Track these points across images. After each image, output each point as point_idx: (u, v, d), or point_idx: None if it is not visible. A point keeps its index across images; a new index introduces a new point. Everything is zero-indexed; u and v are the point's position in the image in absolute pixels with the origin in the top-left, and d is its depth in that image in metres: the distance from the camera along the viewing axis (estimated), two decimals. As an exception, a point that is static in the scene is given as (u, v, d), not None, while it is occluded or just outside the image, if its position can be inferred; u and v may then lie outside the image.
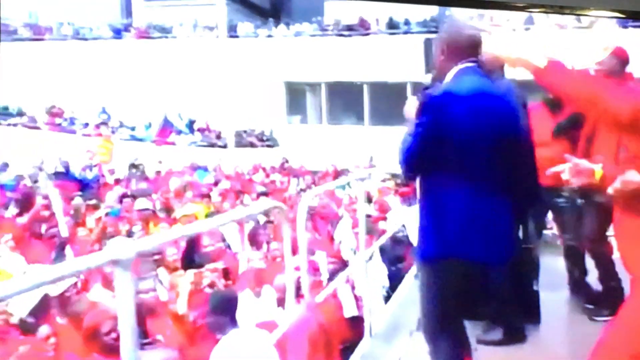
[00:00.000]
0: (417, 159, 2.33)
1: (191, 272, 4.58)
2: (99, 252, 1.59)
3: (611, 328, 2.10)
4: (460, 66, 2.36)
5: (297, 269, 2.96)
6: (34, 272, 1.66)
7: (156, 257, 5.41)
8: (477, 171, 2.29)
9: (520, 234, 3.48)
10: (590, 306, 3.66)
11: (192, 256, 5.41)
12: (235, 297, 4.22)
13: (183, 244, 5.36)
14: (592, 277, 3.78)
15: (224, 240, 6.33)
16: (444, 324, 2.42)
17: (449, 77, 2.38)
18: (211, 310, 4.00)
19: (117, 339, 3.50)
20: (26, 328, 3.77)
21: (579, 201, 3.72)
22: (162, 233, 2.57)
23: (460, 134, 2.26)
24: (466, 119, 2.26)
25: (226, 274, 5.06)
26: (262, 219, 6.69)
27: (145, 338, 3.83)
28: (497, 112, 2.34)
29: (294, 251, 2.77)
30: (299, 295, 3.52)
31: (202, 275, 4.57)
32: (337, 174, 14.15)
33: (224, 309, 3.95)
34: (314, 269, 4.90)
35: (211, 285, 4.55)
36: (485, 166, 2.30)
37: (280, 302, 4.24)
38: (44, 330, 3.61)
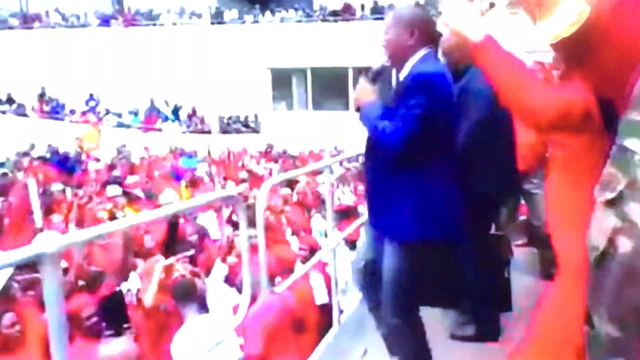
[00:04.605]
0: (416, 141, 2.22)
1: (161, 263, 4.43)
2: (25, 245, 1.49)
3: (542, 315, 1.98)
4: (424, 51, 2.37)
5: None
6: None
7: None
8: (453, 155, 2.38)
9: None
10: None
11: (172, 243, 5.39)
12: (194, 286, 4.11)
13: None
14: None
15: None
16: (415, 307, 2.47)
17: (413, 60, 2.36)
18: (175, 299, 3.99)
19: (98, 322, 3.69)
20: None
21: None
22: (98, 225, 2.49)
23: (447, 116, 2.32)
24: (451, 102, 2.34)
25: (193, 260, 4.96)
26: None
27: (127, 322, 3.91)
28: (460, 97, 2.47)
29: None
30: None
31: (173, 266, 4.40)
32: (317, 159, 14.30)
33: (186, 298, 3.92)
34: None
35: (181, 277, 4.32)
36: (455, 151, 2.42)
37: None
38: (8, 317, 3.51)
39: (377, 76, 2.49)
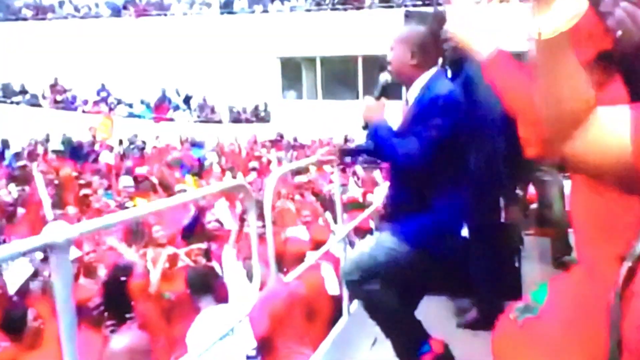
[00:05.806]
0: (430, 161, 2.27)
1: (166, 252, 4.47)
2: (34, 236, 1.49)
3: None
4: (433, 70, 2.39)
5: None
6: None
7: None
8: (464, 170, 2.48)
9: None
10: None
11: (192, 231, 5.45)
12: (209, 277, 4.11)
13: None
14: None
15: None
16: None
17: (423, 80, 2.38)
18: (190, 291, 3.98)
19: (104, 311, 3.77)
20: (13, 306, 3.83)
21: (560, 175, 3.72)
22: (108, 215, 2.47)
23: (461, 137, 2.36)
24: (464, 119, 2.36)
25: (207, 254, 4.95)
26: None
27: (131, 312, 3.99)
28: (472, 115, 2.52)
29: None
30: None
31: (178, 256, 4.45)
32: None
33: (201, 290, 3.93)
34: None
35: (193, 268, 4.33)
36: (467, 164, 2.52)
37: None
38: (30, 314, 3.57)
39: (384, 91, 2.46)
